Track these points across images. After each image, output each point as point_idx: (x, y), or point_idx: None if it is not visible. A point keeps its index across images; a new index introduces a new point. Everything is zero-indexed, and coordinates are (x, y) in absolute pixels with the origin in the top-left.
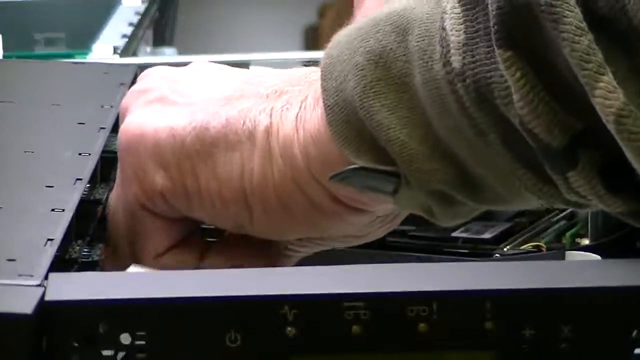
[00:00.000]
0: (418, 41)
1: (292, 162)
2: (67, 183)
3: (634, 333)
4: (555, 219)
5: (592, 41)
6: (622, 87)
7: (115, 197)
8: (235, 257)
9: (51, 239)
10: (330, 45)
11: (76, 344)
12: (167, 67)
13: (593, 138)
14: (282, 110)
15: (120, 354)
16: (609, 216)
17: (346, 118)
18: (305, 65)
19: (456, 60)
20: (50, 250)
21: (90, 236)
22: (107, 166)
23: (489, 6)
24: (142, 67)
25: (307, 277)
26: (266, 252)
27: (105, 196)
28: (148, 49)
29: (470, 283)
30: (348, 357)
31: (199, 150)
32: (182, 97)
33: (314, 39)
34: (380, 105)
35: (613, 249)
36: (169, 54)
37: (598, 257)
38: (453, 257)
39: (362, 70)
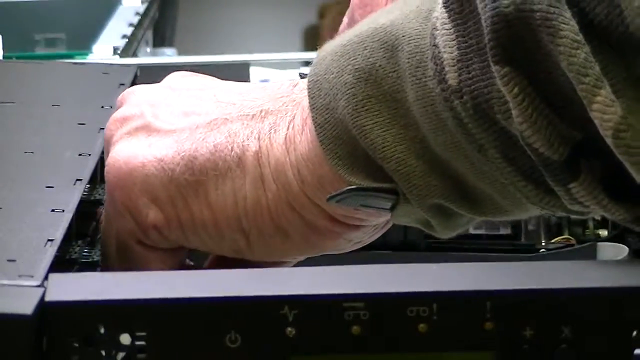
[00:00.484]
0: (409, 58)
1: (286, 185)
2: (67, 183)
3: (634, 333)
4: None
5: (588, 54)
6: (621, 95)
7: (107, 228)
8: None
9: (51, 240)
10: (315, 61)
11: (76, 345)
12: (145, 87)
13: (594, 148)
14: (270, 132)
15: (120, 355)
16: None
17: (338, 136)
18: (306, 65)
19: (452, 77)
20: (50, 251)
21: (90, 236)
22: None
23: (483, 22)
24: (142, 68)
25: (307, 278)
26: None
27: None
28: (148, 49)
29: (470, 283)
30: (348, 358)
31: (188, 180)
32: (165, 123)
33: (314, 39)
34: (373, 123)
35: (632, 236)
36: (169, 54)
37: (626, 248)
38: (496, 254)
39: (352, 88)
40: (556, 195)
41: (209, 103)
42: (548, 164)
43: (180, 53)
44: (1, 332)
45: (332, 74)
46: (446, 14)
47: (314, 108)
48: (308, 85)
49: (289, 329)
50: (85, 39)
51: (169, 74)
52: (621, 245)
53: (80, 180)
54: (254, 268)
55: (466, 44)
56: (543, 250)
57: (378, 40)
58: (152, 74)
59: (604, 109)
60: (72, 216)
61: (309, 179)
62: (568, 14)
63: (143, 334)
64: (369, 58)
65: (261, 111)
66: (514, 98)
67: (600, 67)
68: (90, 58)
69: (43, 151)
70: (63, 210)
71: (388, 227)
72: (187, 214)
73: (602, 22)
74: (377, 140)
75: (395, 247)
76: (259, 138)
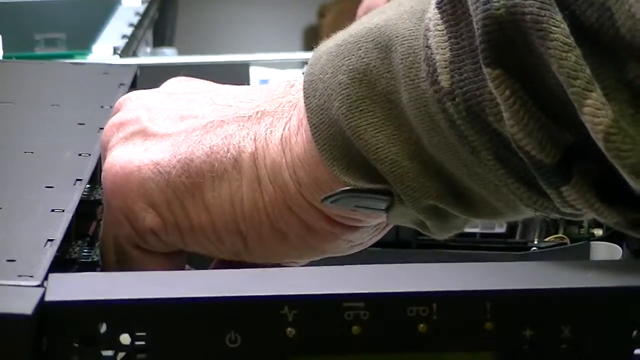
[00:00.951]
0: (402, 59)
1: (283, 186)
2: (67, 183)
3: (634, 333)
4: None
5: (579, 57)
6: (612, 99)
7: (105, 234)
8: None
9: (51, 240)
10: (310, 62)
11: (76, 345)
12: (141, 93)
13: (586, 151)
14: (266, 133)
15: (120, 355)
16: None
17: (333, 137)
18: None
19: (444, 79)
20: (50, 251)
21: (90, 236)
22: None
23: (474, 24)
24: (142, 68)
25: (307, 277)
26: None
27: None
28: (148, 49)
29: (470, 283)
30: (348, 358)
31: (185, 183)
32: (161, 127)
33: (314, 39)
34: (367, 124)
35: (630, 236)
36: (169, 54)
37: (619, 248)
38: (491, 252)
39: (346, 89)
40: (549, 198)
41: (205, 106)
42: (540, 166)
43: (180, 53)
44: (1, 332)
45: (327, 74)
46: (439, 15)
47: (309, 108)
48: (304, 86)
49: (289, 329)
50: (85, 39)
51: (169, 73)
52: (614, 244)
53: (80, 180)
54: (253, 269)
55: (458, 46)
56: (534, 248)
57: (372, 40)
58: (152, 74)
59: (595, 112)
60: (72, 216)
61: (305, 180)
62: (559, 16)
63: (143, 334)
64: (363, 58)
65: (257, 112)
66: (505, 101)
67: (591, 70)
68: (90, 58)
69: (43, 151)
70: (63, 210)
71: (389, 228)
72: (184, 217)
73: (593, 25)
74: (371, 141)
75: (388, 244)
76: (255, 139)
